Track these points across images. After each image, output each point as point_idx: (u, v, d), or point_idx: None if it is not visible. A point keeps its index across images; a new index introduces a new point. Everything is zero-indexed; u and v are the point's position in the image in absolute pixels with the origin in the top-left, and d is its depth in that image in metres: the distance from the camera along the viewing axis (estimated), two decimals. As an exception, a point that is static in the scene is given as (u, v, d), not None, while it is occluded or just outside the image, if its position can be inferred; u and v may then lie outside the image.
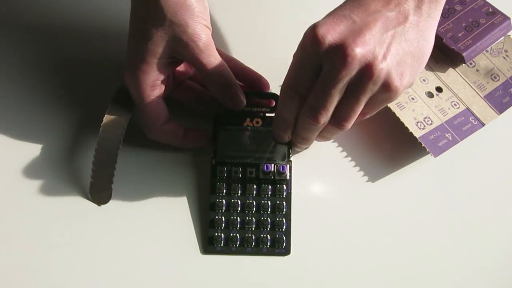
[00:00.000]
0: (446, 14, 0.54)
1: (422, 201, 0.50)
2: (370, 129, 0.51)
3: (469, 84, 0.53)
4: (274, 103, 0.49)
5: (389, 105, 0.50)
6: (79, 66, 0.53)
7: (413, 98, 0.51)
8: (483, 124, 0.51)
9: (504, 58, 0.53)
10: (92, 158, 0.47)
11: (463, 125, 0.50)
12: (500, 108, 0.52)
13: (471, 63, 0.53)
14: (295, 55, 0.40)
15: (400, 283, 0.47)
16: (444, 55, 0.53)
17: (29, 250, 0.46)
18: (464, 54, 0.52)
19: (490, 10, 0.53)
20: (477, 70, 0.53)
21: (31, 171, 0.49)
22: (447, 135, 0.49)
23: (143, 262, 0.46)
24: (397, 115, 0.49)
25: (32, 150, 0.49)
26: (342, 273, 0.47)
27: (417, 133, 0.49)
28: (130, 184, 0.49)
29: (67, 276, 0.46)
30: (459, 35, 0.53)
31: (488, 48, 0.54)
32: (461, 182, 0.50)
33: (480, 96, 0.52)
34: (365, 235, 0.48)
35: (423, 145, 0.48)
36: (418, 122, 0.50)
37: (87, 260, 0.46)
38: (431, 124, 0.50)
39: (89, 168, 0.47)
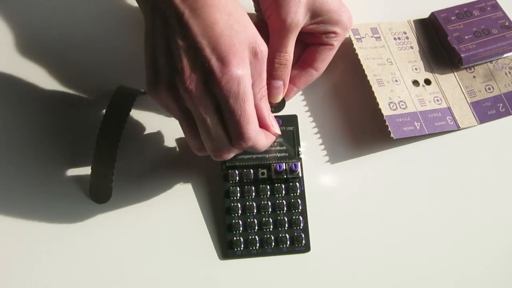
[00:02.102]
0: (462, 15, 0.54)
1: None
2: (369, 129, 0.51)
3: (460, 87, 0.52)
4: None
5: (369, 78, 0.50)
6: (79, 65, 0.52)
7: (396, 80, 0.51)
8: (459, 127, 0.50)
9: (506, 74, 0.53)
10: (92, 156, 0.46)
11: (437, 120, 0.50)
12: (482, 118, 0.51)
13: (470, 69, 0.53)
14: None
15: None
16: (446, 53, 0.53)
17: (28, 249, 0.45)
18: (462, 55, 0.51)
19: (507, 24, 0.53)
20: (474, 77, 0.53)
21: (30, 170, 0.48)
22: (415, 123, 0.49)
23: (142, 262, 0.46)
24: (373, 89, 0.50)
25: (31, 148, 0.48)
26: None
27: (386, 111, 0.49)
28: (132, 184, 0.48)
29: (67, 276, 0.45)
30: (466, 37, 0.52)
31: (494, 60, 0.53)
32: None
33: (467, 101, 0.52)
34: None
35: (386, 123, 0.49)
36: (391, 103, 0.50)
37: (87, 259, 0.45)
38: (404, 108, 0.50)
39: (88, 167, 0.46)
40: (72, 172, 0.48)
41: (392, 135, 0.48)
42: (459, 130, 0.51)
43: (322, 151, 0.50)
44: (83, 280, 0.45)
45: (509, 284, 0.47)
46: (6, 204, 0.47)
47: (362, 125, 0.51)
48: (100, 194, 0.47)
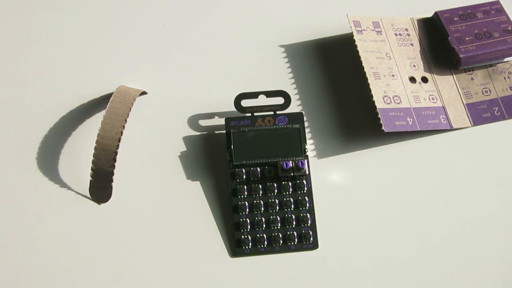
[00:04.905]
0: (465, 16, 0.53)
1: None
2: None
3: (457, 88, 0.52)
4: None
5: (366, 70, 0.50)
6: (79, 64, 0.52)
7: (393, 75, 0.51)
8: (451, 127, 0.50)
9: (505, 78, 0.52)
10: (92, 156, 0.45)
11: (430, 118, 0.50)
12: (476, 120, 0.51)
13: (469, 71, 0.53)
14: None
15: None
16: (446, 53, 0.53)
17: (28, 249, 0.45)
18: (461, 56, 0.51)
19: (510, 28, 0.53)
20: (472, 79, 0.52)
21: (30, 169, 0.48)
22: (408, 119, 0.49)
23: (145, 261, 0.46)
24: (369, 81, 0.50)
25: (31, 148, 0.49)
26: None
27: (379, 104, 0.49)
28: (133, 184, 0.48)
29: (67, 276, 0.45)
30: (466, 38, 0.52)
31: (494, 64, 0.53)
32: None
33: (462, 102, 0.51)
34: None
35: (378, 115, 0.48)
36: (385, 97, 0.50)
37: (87, 260, 0.45)
38: (398, 103, 0.50)
39: (88, 167, 0.46)
40: (72, 172, 0.48)
41: (383, 128, 0.48)
42: (451, 130, 0.50)
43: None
44: (83, 280, 0.45)
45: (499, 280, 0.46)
46: (6, 204, 0.47)
47: (356, 118, 0.51)
48: (100, 194, 0.47)
